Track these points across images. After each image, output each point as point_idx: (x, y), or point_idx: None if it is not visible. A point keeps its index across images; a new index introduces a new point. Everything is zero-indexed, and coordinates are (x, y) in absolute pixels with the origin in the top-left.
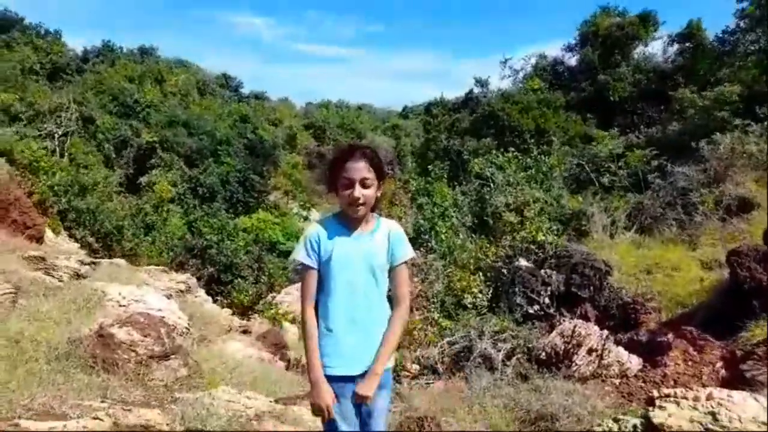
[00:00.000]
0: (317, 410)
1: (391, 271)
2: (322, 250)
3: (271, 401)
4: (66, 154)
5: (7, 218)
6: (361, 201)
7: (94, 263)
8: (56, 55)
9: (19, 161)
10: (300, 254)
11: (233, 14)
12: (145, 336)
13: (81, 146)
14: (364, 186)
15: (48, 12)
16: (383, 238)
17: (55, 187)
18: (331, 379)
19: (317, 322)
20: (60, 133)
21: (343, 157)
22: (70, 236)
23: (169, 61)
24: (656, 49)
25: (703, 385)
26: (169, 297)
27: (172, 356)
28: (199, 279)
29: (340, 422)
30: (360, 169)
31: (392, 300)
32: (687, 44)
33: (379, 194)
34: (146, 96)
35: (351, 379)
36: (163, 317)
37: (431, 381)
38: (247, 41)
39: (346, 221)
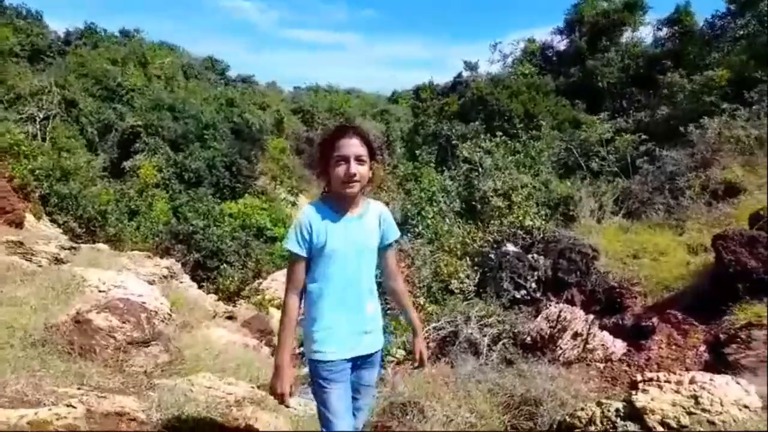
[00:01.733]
0: (274, 394)
1: (383, 250)
2: (314, 237)
3: (252, 387)
4: (48, 137)
5: None
6: (356, 177)
7: (74, 248)
8: (37, 37)
9: None
10: (291, 243)
11: None
12: (124, 322)
13: (63, 130)
14: (359, 162)
15: None
16: (374, 221)
17: (37, 172)
18: (326, 364)
19: (306, 308)
20: (41, 116)
21: (336, 135)
22: (53, 221)
23: (153, 44)
24: (645, 34)
25: (687, 369)
26: (151, 283)
27: (153, 342)
28: (184, 265)
29: (336, 404)
30: (354, 145)
31: (386, 276)
32: (675, 29)
33: (370, 174)
34: (130, 79)
35: (345, 362)
36: (144, 303)
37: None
38: (237, 26)
39: (337, 204)
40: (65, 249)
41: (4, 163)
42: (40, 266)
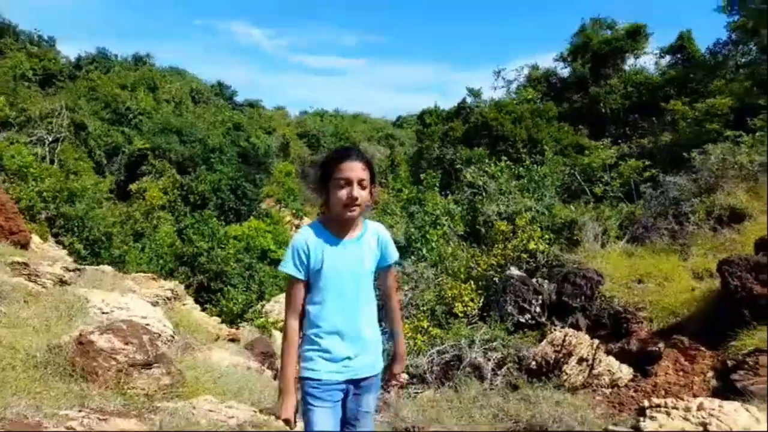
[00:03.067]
0: (280, 418)
1: (382, 272)
2: (311, 259)
3: (254, 411)
4: (56, 160)
5: None
6: (358, 201)
7: (78, 270)
8: (49, 62)
9: (8, 167)
10: (288, 266)
11: (233, 24)
12: (127, 344)
13: (72, 152)
14: (361, 186)
15: (44, 19)
16: (373, 242)
17: (44, 193)
18: (315, 382)
19: (304, 330)
20: (51, 139)
21: (339, 157)
22: (58, 243)
23: (163, 69)
24: (647, 61)
25: (694, 395)
26: (155, 304)
27: (155, 365)
28: (188, 287)
29: (319, 423)
30: (357, 169)
31: (382, 295)
32: (678, 56)
33: (370, 199)
34: (139, 103)
35: (336, 384)
36: (147, 325)
37: (420, 390)
38: (246, 51)
39: (335, 227)
40: (70, 270)
41: (12, 184)
42: (44, 287)
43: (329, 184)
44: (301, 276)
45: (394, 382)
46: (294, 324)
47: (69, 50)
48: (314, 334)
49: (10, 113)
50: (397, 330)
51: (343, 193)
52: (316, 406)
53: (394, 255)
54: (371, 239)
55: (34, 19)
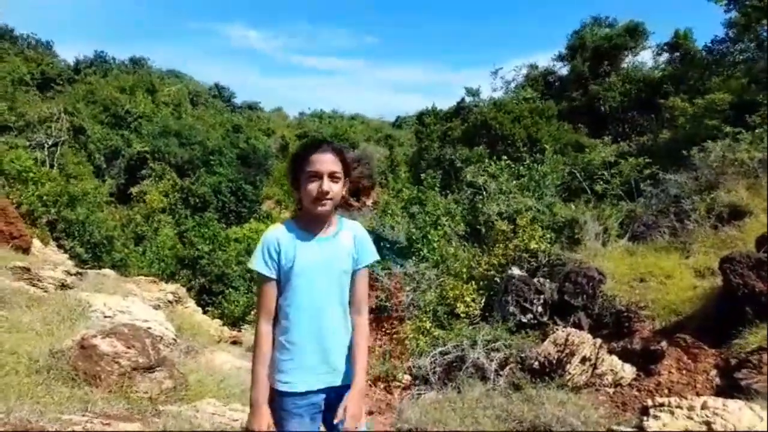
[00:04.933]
0: None
1: (354, 273)
2: (282, 257)
3: None
4: (56, 164)
5: None
6: (329, 195)
7: (80, 274)
8: (47, 66)
9: (8, 171)
10: (257, 263)
11: (228, 26)
12: (129, 347)
13: (71, 156)
14: (333, 179)
15: (41, 23)
16: (348, 241)
17: (44, 198)
18: (291, 395)
19: (276, 334)
20: (50, 143)
21: (309, 149)
22: (59, 247)
23: (161, 72)
24: (645, 58)
25: (698, 394)
26: (157, 308)
27: (158, 368)
28: (189, 290)
29: None
30: (328, 161)
31: (351, 303)
32: (676, 54)
33: (344, 192)
34: (138, 107)
35: (314, 394)
36: (149, 328)
37: (423, 391)
38: (243, 53)
39: (308, 224)
40: (71, 274)
41: (12, 189)
42: (46, 292)
43: (300, 179)
44: (271, 275)
45: (346, 412)
46: (266, 329)
47: (66, 54)
48: (287, 340)
49: (9, 118)
50: (361, 355)
51: (313, 186)
52: (289, 420)
53: (372, 255)
54: (347, 237)
55: (30, 23)
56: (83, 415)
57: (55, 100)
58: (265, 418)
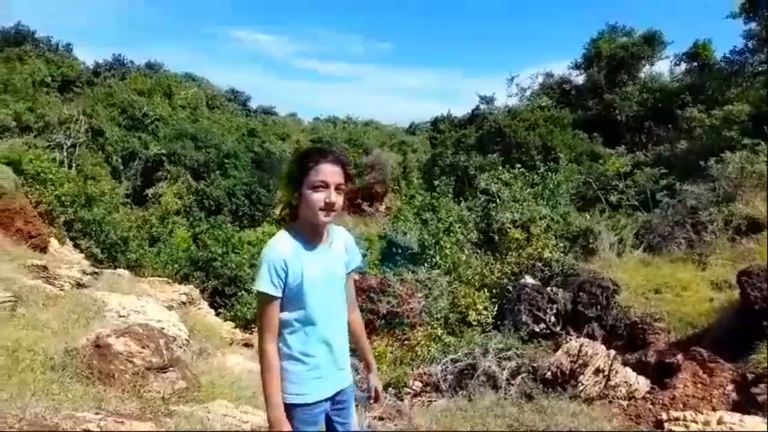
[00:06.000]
0: None
1: (346, 277)
2: (290, 275)
3: None
4: (74, 165)
5: (12, 227)
6: (335, 207)
7: (96, 273)
8: (67, 68)
9: (27, 171)
10: (264, 284)
11: (243, 31)
12: (143, 347)
13: (89, 158)
14: (338, 191)
15: (61, 27)
16: (341, 248)
17: (62, 198)
18: (308, 407)
19: (284, 347)
20: (69, 144)
21: (318, 157)
22: (75, 246)
23: (178, 76)
24: (663, 68)
25: (714, 409)
26: (170, 308)
27: (170, 368)
28: (202, 291)
29: None
30: (336, 173)
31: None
32: (694, 64)
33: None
34: (155, 109)
35: (324, 402)
36: (163, 328)
37: (433, 399)
38: (258, 58)
39: (308, 234)
40: (87, 274)
41: (31, 189)
42: (62, 290)
43: (302, 183)
44: (279, 294)
45: (377, 392)
46: (273, 348)
47: (85, 57)
48: (301, 352)
49: (29, 118)
50: (365, 342)
51: (320, 196)
52: (308, 429)
53: (359, 258)
54: (340, 244)
55: (51, 27)
56: (97, 413)
57: (75, 102)
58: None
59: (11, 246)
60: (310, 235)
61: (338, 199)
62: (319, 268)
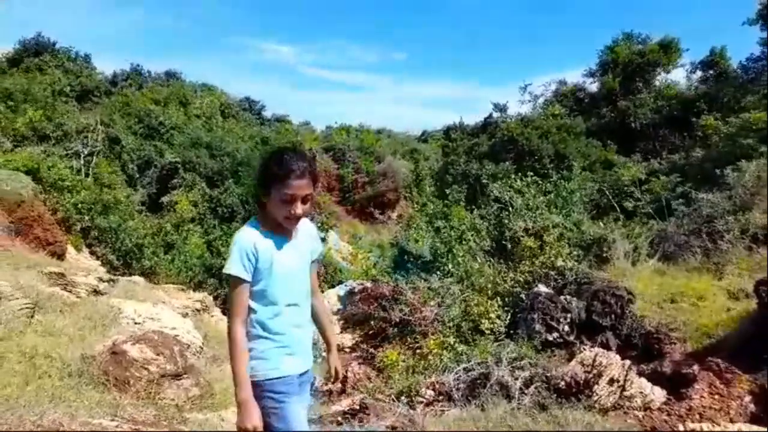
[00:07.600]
0: (247, 429)
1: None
2: (260, 260)
3: None
4: (91, 173)
5: (30, 234)
6: (300, 216)
7: (112, 280)
8: (86, 78)
9: (45, 179)
10: (235, 267)
11: (261, 42)
12: (158, 354)
13: (106, 166)
14: (304, 202)
15: (80, 38)
16: (306, 239)
17: (79, 205)
18: (285, 378)
19: (254, 331)
20: (86, 152)
21: (286, 171)
22: (92, 253)
23: (194, 85)
24: (678, 76)
25: (731, 420)
26: (184, 316)
27: (185, 375)
28: (216, 298)
29: (298, 415)
30: (303, 186)
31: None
32: (710, 72)
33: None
34: (171, 118)
35: (298, 377)
36: (177, 336)
37: (446, 408)
38: (273, 67)
39: (276, 226)
40: (103, 281)
41: (49, 196)
42: (79, 297)
43: (271, 188)
44: (248, 277)
45: (337, 371)
46: (242, 331)
47: (104, 67)
48: (270, 331)
49: (47, 127)
50: (327, 323)
51: (286, 208)
52: (291, 400)
53: (320, 249)
54: (304, 234)
55: (71, 38)
56: (112, 420)
57: (93, 111)
58: (257, 412)
59: (30, 252)
60: (279, 226)
61: (304, 208)
62: (287, 255)
